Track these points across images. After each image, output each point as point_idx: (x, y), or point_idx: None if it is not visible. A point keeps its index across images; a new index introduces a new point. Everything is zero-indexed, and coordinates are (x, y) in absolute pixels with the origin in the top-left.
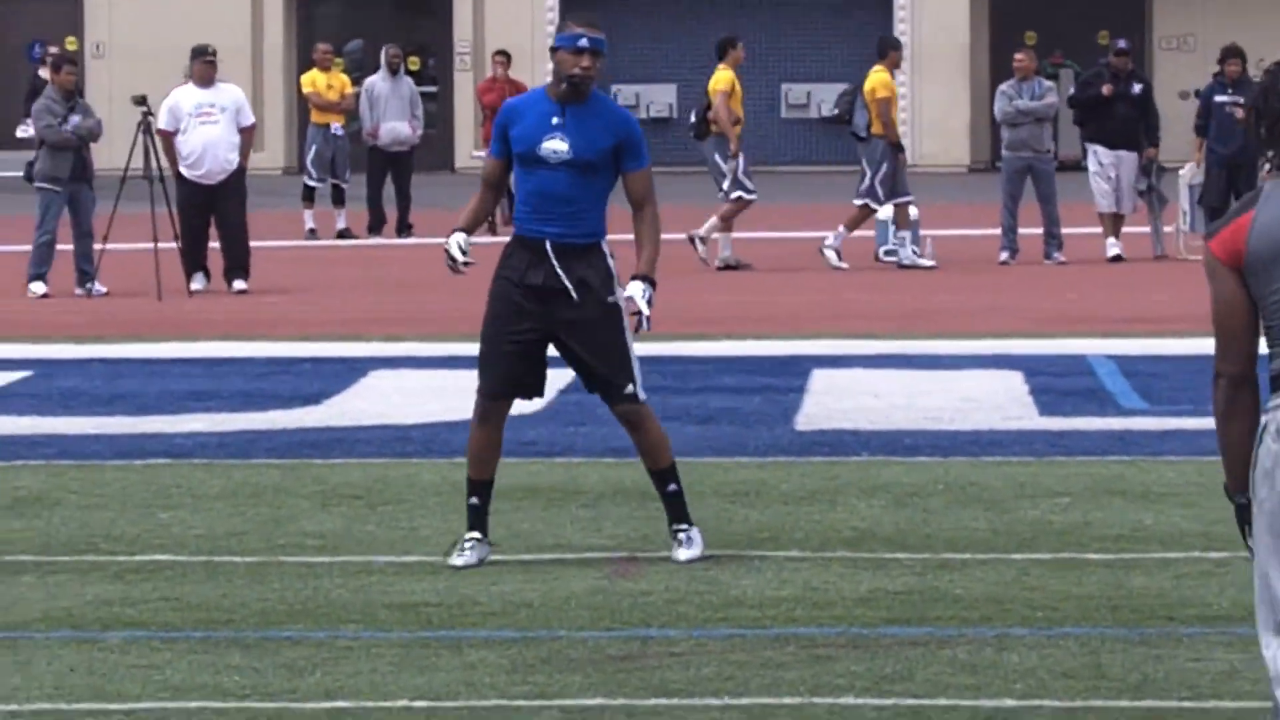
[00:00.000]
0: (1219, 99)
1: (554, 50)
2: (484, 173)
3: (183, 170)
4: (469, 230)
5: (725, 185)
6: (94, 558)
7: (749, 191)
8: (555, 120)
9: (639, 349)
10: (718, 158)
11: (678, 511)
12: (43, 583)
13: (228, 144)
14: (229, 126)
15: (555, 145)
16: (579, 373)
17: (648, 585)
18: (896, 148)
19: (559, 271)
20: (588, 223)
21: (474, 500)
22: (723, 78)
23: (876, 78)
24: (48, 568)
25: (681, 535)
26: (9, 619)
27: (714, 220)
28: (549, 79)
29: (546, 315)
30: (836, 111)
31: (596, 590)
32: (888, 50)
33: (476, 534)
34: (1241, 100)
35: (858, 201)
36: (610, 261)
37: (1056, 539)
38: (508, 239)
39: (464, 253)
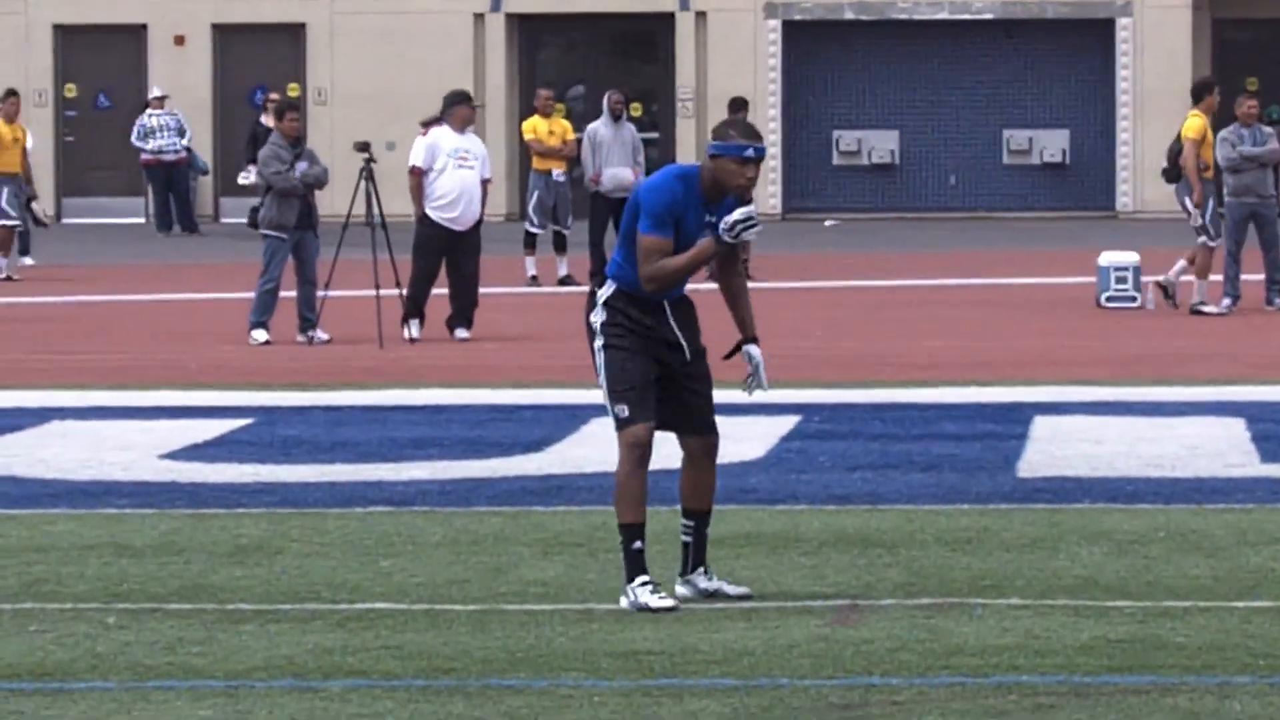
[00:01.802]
0: None
1: (715, 156)
2: (656, 256)
3: (430, 212)
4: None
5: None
6: (315, 606)
7: (1211, 239)
8: (709, 218)
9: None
10: (1187, 202)
11: (704, 554)
12: (264, 631)
13: (479, 191)
14: (479, 175)
15: (703, 238)
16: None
17: (869, 633)
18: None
19: (674, 325)
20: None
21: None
22: (1193, 125)
23: (1189, 121)
24: (269, 616)
25: (712, 573)
26: (231, 667)
27: (1181, 263)
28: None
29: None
30: (1165, 165)
31: (818, 638)
32: (1203, 94)
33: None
34: None
35: (1201, 242)
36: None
37: (1279, 586)
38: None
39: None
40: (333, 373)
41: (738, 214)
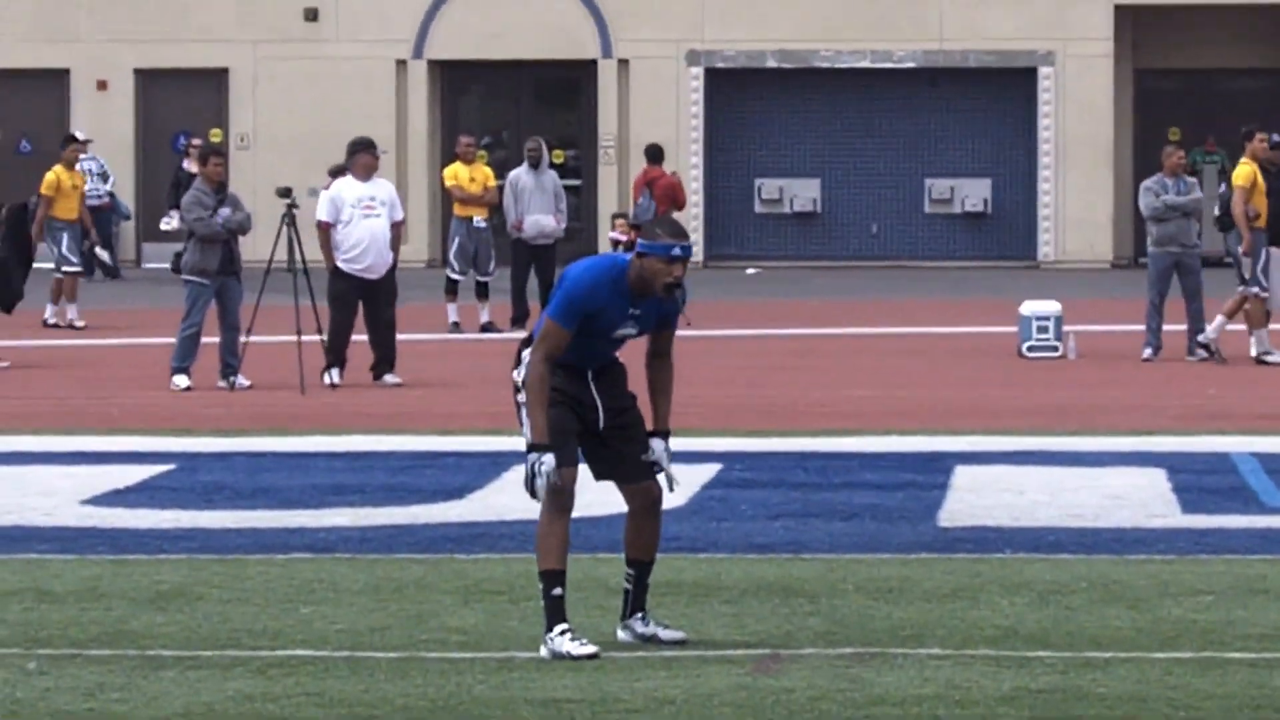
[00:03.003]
0: None
1: (642, 254)
2: (554, 346)
3: (341, 264)
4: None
5: (1246, 276)
6: (236, 652)
7: (1262, 289)
8: (632, 311)
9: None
10: (1238, 250)
11: (644, 600)
12: (184, 678)
13: (387, 238)
14: (387, 221)
15: (627, 330)
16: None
17: (790, 682)
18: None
19: (594, 390)
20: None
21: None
22: (1243, 172)
23: (1239, 169)
24: (189, 662)
25: (650, 619)
26: (151, 713)
27: (1220, 319)
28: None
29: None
30: (1217, 213)
31: (739, 687)
32: (1248, 140)
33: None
34: None
35: (1242, 290)
36: None
37: (1200, 638)
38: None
39: (550, 477)
40: (254, 419)
41: (667, 465)
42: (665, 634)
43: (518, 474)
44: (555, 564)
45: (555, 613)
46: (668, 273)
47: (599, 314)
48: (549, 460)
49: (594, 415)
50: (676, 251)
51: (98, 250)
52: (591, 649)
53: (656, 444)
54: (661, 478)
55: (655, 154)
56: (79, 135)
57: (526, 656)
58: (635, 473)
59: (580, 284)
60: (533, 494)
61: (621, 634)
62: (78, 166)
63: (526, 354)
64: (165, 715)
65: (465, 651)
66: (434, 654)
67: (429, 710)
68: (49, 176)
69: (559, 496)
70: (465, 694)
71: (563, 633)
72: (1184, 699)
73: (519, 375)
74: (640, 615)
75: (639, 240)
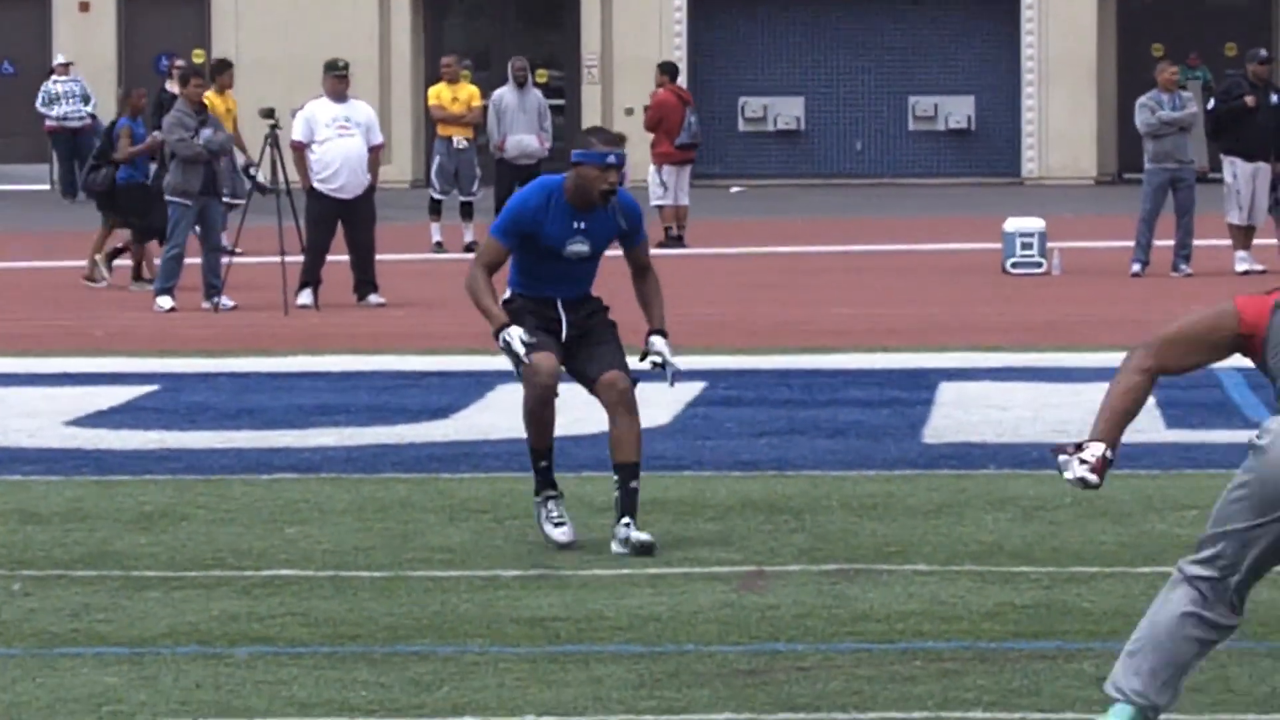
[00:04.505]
0: None
1: (577, 163)
2: (490, 259)
3: (316, 184)
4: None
5: None
6: (220, 573)
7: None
8: (577, 225)
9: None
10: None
11: (630, 506)
12: (169, 598)
13: (363, 159)
14: (363, 142)
15: (579, 248)
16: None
17: (775, 599)
18: None
19: (562, 313)
20: (587, 287)
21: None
22: None
23: None
24: (174, 583)
25: (633, 527)
26: (135, 634)
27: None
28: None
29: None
30: None
31: (724, 604)
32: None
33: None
34: None
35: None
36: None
37: (1184, 552)
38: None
39: (526, 343)
40: (238, 339)
41: (670, 358)
42: (637, 537)
43: (501, 393)
44: (537, 443)
45: (542, 482)
46: (603, 180)
47: (541, 229)
48: (514, 331)
49: (558, 327)
50: (611, 159)
51: (251, 171)
52: (566, 537)
53: (657, 340)
54: (671, 377)
55: (668, 70)
56: (61, 58)
57: (511, 575)
58: (600, 366)
59: (514, 201)
60: (519, 375)
61: (615, 546)
62: (57, 86)
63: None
64: (150, 635)
65: (450, 570)
66: (419, 573)
67: (414, 629)
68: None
69: (539, 378)
70: (450, 612)
71: (547, 499)
72: None
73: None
74: (627, 521)
75: (573, 151)
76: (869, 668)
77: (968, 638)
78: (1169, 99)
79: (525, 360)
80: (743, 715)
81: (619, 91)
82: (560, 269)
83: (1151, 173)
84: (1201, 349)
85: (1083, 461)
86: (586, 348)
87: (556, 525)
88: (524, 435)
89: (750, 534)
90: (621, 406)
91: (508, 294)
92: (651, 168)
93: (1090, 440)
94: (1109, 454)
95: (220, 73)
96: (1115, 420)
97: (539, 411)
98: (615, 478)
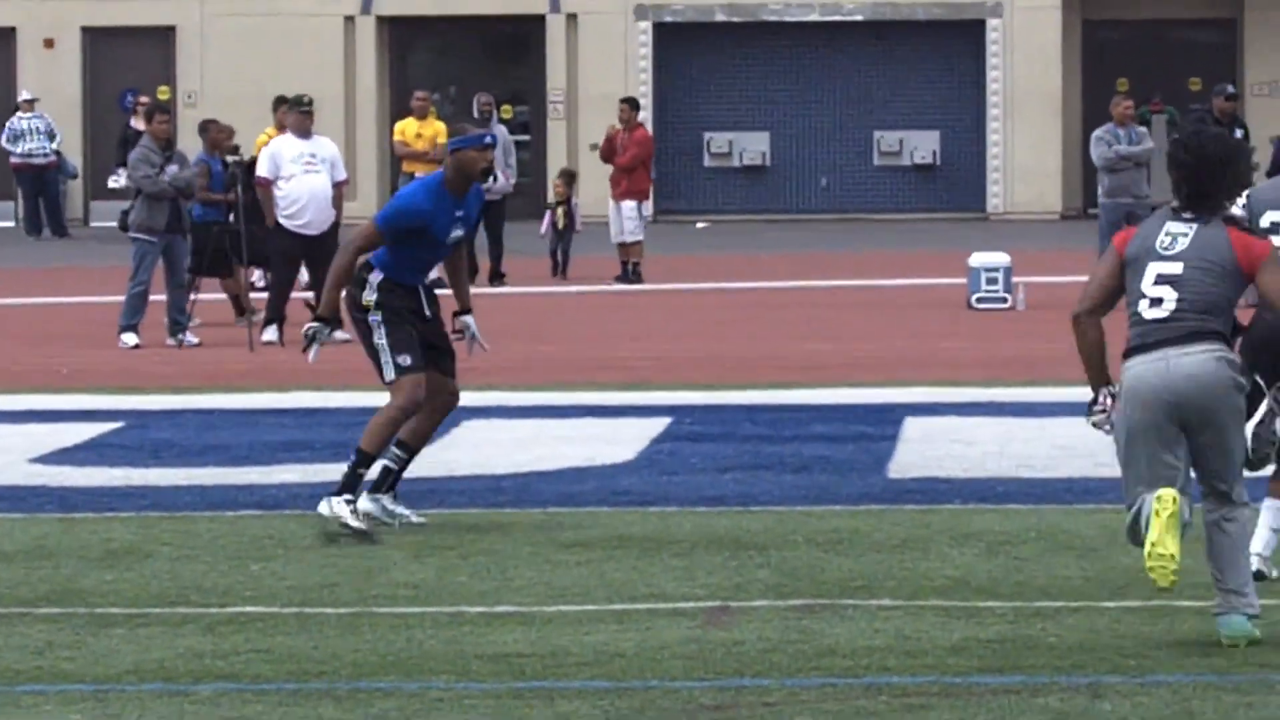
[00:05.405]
0: None
1: (456, 149)
2: (367, 245)
3: (282, 220)
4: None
5: None
6: (185, 610)
7: None
8: (457, 214)
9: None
10: None
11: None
12: (134, 635)
13: (329, 195)
14: (329, 179)
15: (457, 233)
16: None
17: (741, 635)
18: None
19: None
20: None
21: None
22: None
23: None
24: (139, 620)
25: (400, 502)
26: (100, 671)
27: None
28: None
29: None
30: None
31: (690, 640)
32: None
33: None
34: None
35: None
36: None
37: (1149, 587)
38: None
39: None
40: (203, 376)
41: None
42: (416, 518)
43: (466, 429)
44: (374, 451)
45: (350, 485)
46: (483, 159)
47: (430, 224)
48: (326, 331)
49: (429, 324)
50: (488, 139)
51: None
52: (365, 526)
53: (469, 319)
54: (473, 349)
55: (632, 105)
56: (26, 94)
57: (477, 611)
58: (448, 370)
59: (405, 199)
60: (306, 352)
61: (367, 504)
62: (22, 122)
63: (372, 279)
64: (115, 673)
65: (415, 606)
66: (383, 609)
67: (379, 665)
68: (261, 139)
69: (416, 393)
70: (415, 649)
71: (348, 502)
72: (1133, 648)
73: (368, 296)
74: (394, 496)
75: (449, 140)
76: (834, 703)
77: (933, 673)
78: (1125, 133)
79: (313, 352)
80: None
81: (584, 127)
82: (431, 258)
83: (1107, 207)
84: (1108, 280)
85: (1091, 412)
86: (440, 345)
87: (358, 518)
88: (485, 471)
89: (715, 569)
90: (445, 409)
91: (379, 276)
92: (631, 204)
93: (1094, 391)
94: (1112, 388)
95: (276, 109)
96: (1097, 364)
97: (397, 426)
98: (403, 455)
